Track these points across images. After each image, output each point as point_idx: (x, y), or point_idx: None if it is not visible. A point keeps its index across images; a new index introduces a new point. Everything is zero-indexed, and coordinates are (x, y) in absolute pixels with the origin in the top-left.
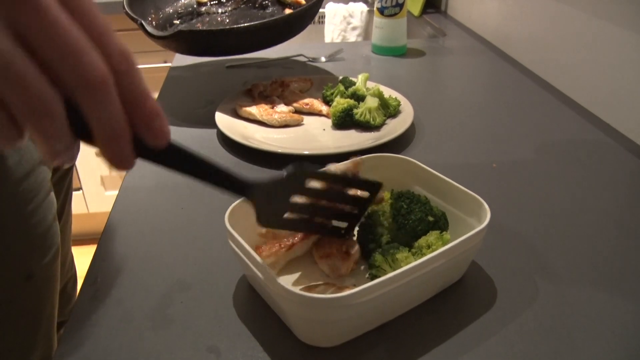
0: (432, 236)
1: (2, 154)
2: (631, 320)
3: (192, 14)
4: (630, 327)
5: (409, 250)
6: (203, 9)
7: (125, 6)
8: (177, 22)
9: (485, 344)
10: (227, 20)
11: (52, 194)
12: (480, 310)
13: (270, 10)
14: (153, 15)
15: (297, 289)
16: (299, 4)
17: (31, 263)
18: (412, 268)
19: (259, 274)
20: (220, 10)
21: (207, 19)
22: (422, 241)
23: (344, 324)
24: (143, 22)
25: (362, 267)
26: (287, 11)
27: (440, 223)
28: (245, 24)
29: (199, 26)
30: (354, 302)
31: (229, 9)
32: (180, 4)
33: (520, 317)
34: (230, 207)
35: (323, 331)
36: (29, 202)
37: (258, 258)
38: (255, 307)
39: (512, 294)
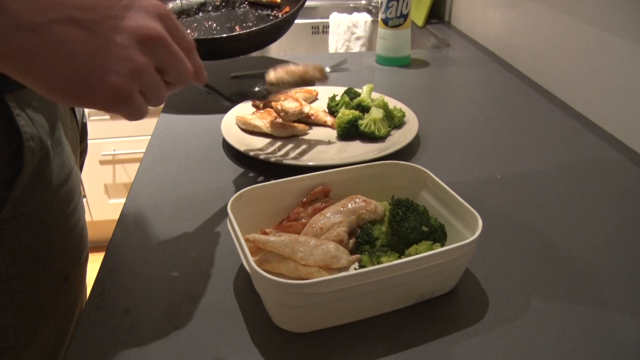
0: (422, 246)
1: (47, 158)
2: (625, 336)
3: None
4: (626, 343)
5: (399, 257)
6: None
7: None
8: None
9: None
10: (214, 25)
11: (82, 198)
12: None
13: (242, 10)
14: None
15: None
16: (275, 3)
17: (68, 265)
18: (374, 271)
19: (241, 255)
20: (201, 15)
21: (195, 24)
22: (412, 249)
23: (307, 312)
24: None
25: None
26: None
27: (437, 235)
28: (244, 31)
29: (189, 32)
30: (311, 291)
31: (211, 13)
32: None
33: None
34: (235, 195)
35: (290, 315)
36: (68, 205)
37: (241, 238)
38: (263, 319)
39: (504, 309)
